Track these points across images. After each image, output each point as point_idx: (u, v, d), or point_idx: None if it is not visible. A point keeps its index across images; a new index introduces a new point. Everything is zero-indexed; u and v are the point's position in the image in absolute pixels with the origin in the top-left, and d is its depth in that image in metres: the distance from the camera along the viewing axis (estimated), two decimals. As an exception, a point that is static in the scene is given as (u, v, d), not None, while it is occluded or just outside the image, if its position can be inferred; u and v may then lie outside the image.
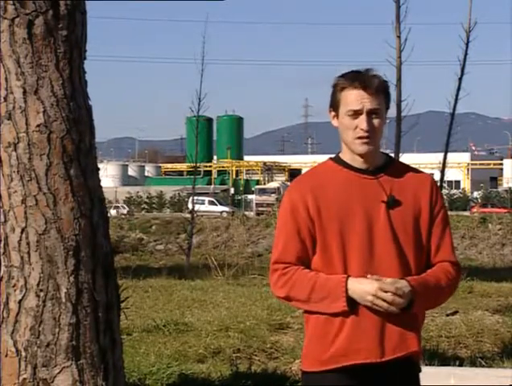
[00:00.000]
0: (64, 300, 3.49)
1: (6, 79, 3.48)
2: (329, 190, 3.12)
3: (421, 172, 3.26)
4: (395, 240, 3.08)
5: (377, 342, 3.04)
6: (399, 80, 12.36)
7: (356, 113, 3.07)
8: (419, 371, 3.23)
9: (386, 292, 2.98)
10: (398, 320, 3.04)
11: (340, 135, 3.16)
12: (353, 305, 3.02)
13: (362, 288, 3.00)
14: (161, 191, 61.10)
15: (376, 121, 3.08)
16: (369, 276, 3.02)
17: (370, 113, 3.07)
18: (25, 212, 3.48)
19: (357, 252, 3.06)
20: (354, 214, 3.08)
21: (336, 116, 3.15)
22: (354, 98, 3.07)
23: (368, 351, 3.05)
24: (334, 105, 3.15)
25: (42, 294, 3.48)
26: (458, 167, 73.36)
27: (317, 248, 3.10)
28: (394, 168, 3.19)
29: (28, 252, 3.48)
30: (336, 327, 3.07)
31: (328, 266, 3.07)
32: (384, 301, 2.98)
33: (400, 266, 3.06)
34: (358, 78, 3.08)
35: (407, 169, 3.23)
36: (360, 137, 3.08)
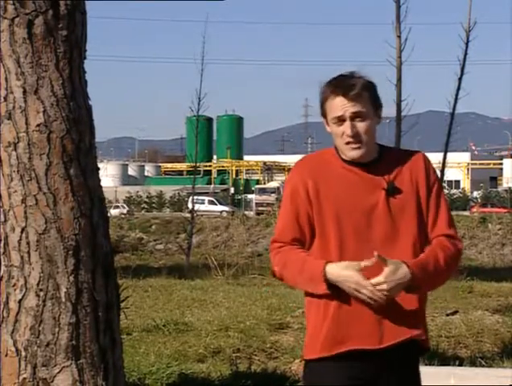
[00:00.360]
0: (63, 299, 3.49)
1: (6, 78, 3.48)
2: (329, 174, 3.16)
3: (412, 152, 3.28)
4: (394, 227, 3.10)
5: (375, 328, 3.06)
6: (399, 79, 12.37)
7: (340, 120, 3.12)
8: (422, 354, 3.23)
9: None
10: (397, 305, 3.06)
11: (334, 141, 3.21)
12: (335, 289, 3.04)
13: (341, 275, 3.02)
14: (161, 191, 61.11)
15: (361, 125, 3.11)
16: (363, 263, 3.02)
17: (354, 118, 3.10)
18: (25, 212, 3.48)
19: (353, 239, 3.09)
20: (353, 201, 3.12)
21: (327, 123, 3.20)
22: (336, 105, 3.11)
23: (365, 337, 3.07)
24: (323, 113, 3.21)
25: (42, 294, 3.48)
26: (458, 167, 73.39)
27: (316, 232, 3.15)
28: (388, 156, 3.22)
29: (28, 252, 3.48)
30: (333, 314, 3.10)
31: (325, 251, 3.11)
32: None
33: (397, 254, 3.06)
34: (339, 84, 3.12)
35: (401, 154, 3.27)
36: (348, 143, 3.13)
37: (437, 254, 3.12)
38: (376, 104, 3.17)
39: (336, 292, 3.07)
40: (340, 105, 3.10)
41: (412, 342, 3.12)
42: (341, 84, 3.11)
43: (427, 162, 3.24)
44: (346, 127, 3.10)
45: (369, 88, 3.14)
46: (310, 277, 3.09)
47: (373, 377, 3.10)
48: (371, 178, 3.14)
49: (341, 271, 3.02)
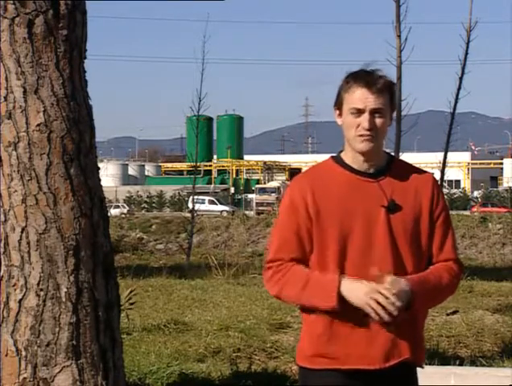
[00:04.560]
0: (64, 299, 3.49)
1: (7, 78, 3.48)
2: (330, 191, 3.10)
3: (423, 171, 3.23)
4: (394, 245, 3.06)
5: (369, 348, 3.03)
6: (399, 79, 12.38)
7: (359, 112, 3.06)
8: (415, 376, 3.19)
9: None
10: (392, 326, 3.02)
11: (343, 133, 3.15)
12: (343, 305, 2.98)
13: (358, 286, 2.98)
14: (161, 191, 61.10)
15: (379, 121, 3.07)
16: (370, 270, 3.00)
17: (373, 113, 3.06)
18: (25, 212, 3.48)
19: (353, 256, 3.05)
20: (354, 217, 3.07)
21: (340, 114, 3.14)
22: (358, 97, 3.06)
23: (359, 357, 3.04)
24: (338, 103, 3.14)
25: (42, 294, 3.48)
26: (458, 167, 73.39)
27: (314, 249, 3.10)
28: (396, 169, 3.17)
29: (28, 252, 3.48)
30: (330, 331, 3.07)
31: (324, 268, 3.06)
32: (378, 304, 2.94)
33: (396, 272, 3.03)
34: (363, 77, 3.07)
35: (409, 169, 3.21)
36: (361, 135, 3.07)
37: (441, 274, 3.11)
38: (392, 105, 3.14)
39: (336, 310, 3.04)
40: (362, 98, 3.05)
41: (404, 364, 3.09)
42: (366, 77, 3.07)
43: (436, 186, 3.18)
44: (364, 120, 3.05)
45: (390, 89, 3.11)
46: (318, 293, 3.02)
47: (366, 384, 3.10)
48: (373, 191, 3.10)
49: (357, 284, 2.98)
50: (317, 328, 3.09)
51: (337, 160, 3.18)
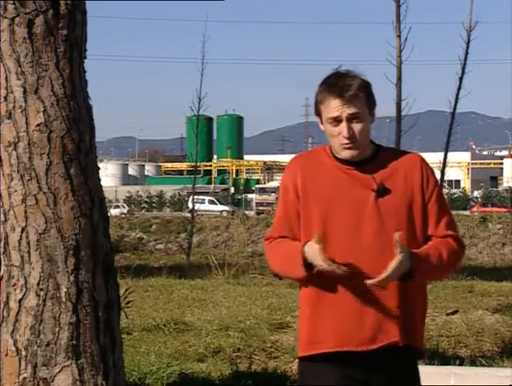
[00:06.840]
0: (64, 299, 3.49)
1: (7, 78, 3.48)
2: (319, 174, 3.17)
3: (409, 154, 3.26)
4: (383, 228, 3.08)
5: (357, 330, 3.05)
6: (399, 79, 12.38)
7: (336, 120, 3.11)
8: (414, 357, 3.20)
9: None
10: (379, 308, 3.05)
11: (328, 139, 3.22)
12: (310, 270, 3.04)
13: (310, 250, 3.03)
14: (161, 191, 61.10)
15: (357, 126, 3.11)
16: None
17: (351, 119, 3.09)
18: (25, 211, 3.48)
19: (339, 239, 3.08)
20: (341, 200, 3.12)
21: (321, 121, 3.20)
22: (332, 106, 3.11)
23: (347, 339, 3.06)
24: (317, 112, 3.20)
25: (42, 293, 3.48)
26: (458, 167, 73.41)
27: (301, 229, 3.17)
28: (383, 156, 3.20)
29: (28, 252, 3.48)
30: (319, 315, 3.11)
31: None
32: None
33: (385, 255, 3.04)
34: (335, 85, 3.10)
35: (396, 154, 3.25)
36: (343, 144, 3.12)
37: (440, 248, 3.12)
38: (371, 103, 3.16)
39: (318, 283, 3.08)
40: (336, 106, 3.09)
41: (403, 345, 3.09)
42: (337, 85, 3.10)
43: (424, 165, 3.21)
44: (343, 128, 3.10)
45: (365, 88, 3.13)
46: (291, 263, 3.12)
47: (364, 378, 3.09)
48: (362, 177, 3.14)
49: (309, 246, 3.05)
50: (305, 312, 3.16)
51: (330, 150, 3.23)
